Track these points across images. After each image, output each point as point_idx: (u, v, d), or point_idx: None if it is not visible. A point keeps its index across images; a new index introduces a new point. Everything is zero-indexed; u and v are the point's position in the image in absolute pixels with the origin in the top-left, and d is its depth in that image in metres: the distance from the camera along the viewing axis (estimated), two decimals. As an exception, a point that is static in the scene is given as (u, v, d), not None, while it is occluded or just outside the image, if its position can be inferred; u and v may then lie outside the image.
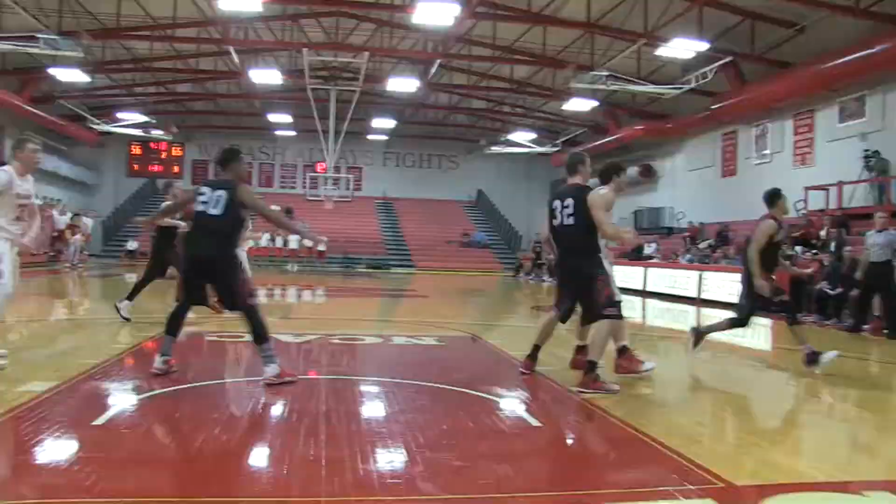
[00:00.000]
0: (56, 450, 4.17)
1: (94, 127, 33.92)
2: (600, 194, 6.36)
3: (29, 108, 28.73)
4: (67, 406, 5.16)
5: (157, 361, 6.07)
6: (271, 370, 5.85)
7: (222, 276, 6.02)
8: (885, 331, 11.86)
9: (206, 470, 3.79)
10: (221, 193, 5.98)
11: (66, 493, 3.40)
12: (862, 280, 12.29)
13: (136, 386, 6.02)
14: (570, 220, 6.35)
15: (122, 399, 5.56)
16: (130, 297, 10.09)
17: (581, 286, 6.41)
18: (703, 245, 23.01)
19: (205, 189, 6.12)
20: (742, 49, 21.38)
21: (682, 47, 20.44)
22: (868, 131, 19.67)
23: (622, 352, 6.79)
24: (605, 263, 6.39)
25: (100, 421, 4.69)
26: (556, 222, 6.50)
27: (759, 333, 13.31)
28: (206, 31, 25.27)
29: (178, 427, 4.63)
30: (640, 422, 5.03)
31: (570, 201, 6.39)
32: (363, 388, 6.25)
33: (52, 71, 24.92)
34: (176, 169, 42.37)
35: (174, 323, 6.18)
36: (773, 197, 7.89)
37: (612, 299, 6.27)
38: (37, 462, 3.93)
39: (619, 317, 6.40)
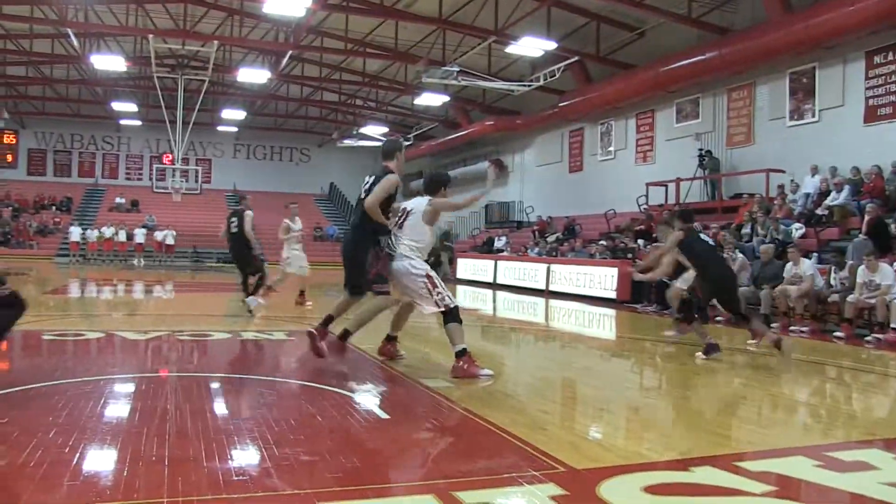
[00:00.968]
0: None
1: None
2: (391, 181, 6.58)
3: None
4: None
5: None
6: None
7: None
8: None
9: (43, 475, 3.61)
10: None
11: None
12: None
13: None
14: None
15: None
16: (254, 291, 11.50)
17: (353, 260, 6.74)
18: (551, 238, 23.83)
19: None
20: (588, 49, 22.29)
21: (530, 45, 21.13)
22: (702, 132, 20.96)
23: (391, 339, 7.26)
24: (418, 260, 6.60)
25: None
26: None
27: (605, 323, 13.98)
28: (40, 11, 23.65)
29: (9, 432, 4.36)
30: (486, 412, 5.16)
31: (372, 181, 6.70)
32: (211, 385, 6.09)
33: None
34: (9, 158, 39.71)
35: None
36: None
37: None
38: None
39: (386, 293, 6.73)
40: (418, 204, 6.65)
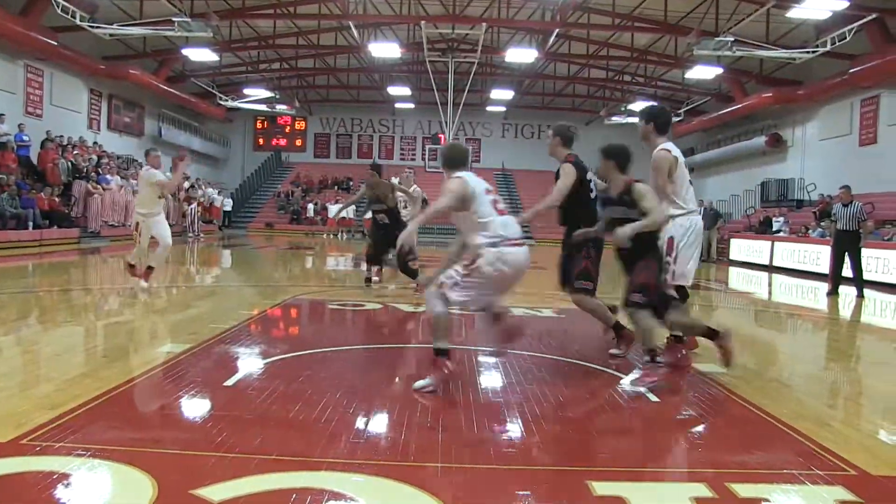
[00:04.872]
0: (191, 407, 4.47)
1: (222, 103, 35.50)
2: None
3: (165, 87, 30.48)
4: (201, 367, 5.44)
5: None
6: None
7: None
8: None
9: (328, 432, 3.89)
10: None
11: (198, 447, 3.58)
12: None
13: (262, 350, 6.27)
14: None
15: (249, 363, 5.81)
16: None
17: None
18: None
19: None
20: (890, 5, 19.91)
21: (816, 7, 19.24)
22: None
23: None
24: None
25: (230, 382, 4.96)
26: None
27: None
28: (326, 8, 25.71)
29: (302, 390, 4.77)
30: (765, 402, 4.84)
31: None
32: (481, 358, 6.27)
33: (185, 52, 26.28)
34: (299, 142, 43.70)
35: None
36: None
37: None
38: (174, 417, 4.29)
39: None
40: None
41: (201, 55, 26.87)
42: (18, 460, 3.26)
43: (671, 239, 5.78)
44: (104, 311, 8.93)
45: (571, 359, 6.19)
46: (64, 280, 12.97)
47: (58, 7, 20.14)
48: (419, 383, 4.86)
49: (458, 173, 5.14)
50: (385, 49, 28.20)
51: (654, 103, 6.93)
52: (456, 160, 5.31)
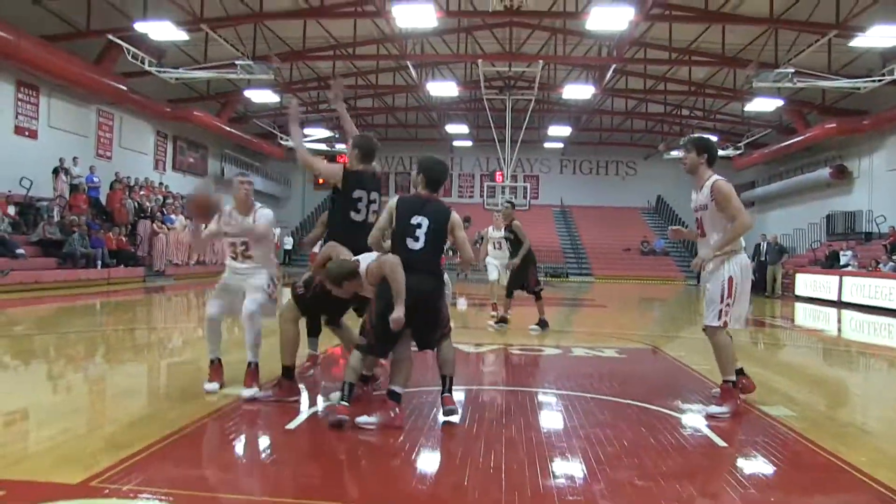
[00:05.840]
0: (253, 451, 4.52)
1: (283, 143, 36.17)
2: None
3: (228, 128, 31.27)
4: (262, 410, 5.45)
5: None
6: None
7: None
8: None
9: (387, 473, 3.88)
10: None
11: (259, 492, 3.60)
12: None
13: (323, 391, 6.26)
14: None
15: (309, 405, 5.81)
16: None
17: None
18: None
19: None
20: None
21: (880, 35, 18.77)
22: None
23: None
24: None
25: (292, 426, 4.97)
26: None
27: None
28: (384, 48, 26.16)
29: (362, 433, 4.76)
30: (838, 447, 4.66)
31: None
32: (542, 399, 6.19)
33: (247, 93, 26.95)
34: (360, 182, 44.22)
35: None
36: None
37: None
38: (237, 460, 4.33)
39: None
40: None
41: (263, 96, 27.55)
42: (89, 503, 3.31)
43: (731, 279, 5.64)
44: (168, 350, 9.09)
45: (633, 400, 6.05)
46: (128, 318, 13.27)
47: (129, 54, 20.90)
48: (362, 419, 4.85)
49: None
50: (443, 88, 28.57)
51: (703, 135, 6.62)
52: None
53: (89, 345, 9.09)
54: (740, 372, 5.89)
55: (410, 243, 5.14)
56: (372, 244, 5.29)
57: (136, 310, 15.17)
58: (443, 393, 5.18)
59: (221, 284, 6.15)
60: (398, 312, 4.88)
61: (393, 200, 5.30)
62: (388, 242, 5.26)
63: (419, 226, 5.17)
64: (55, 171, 21.14)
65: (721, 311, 5.60)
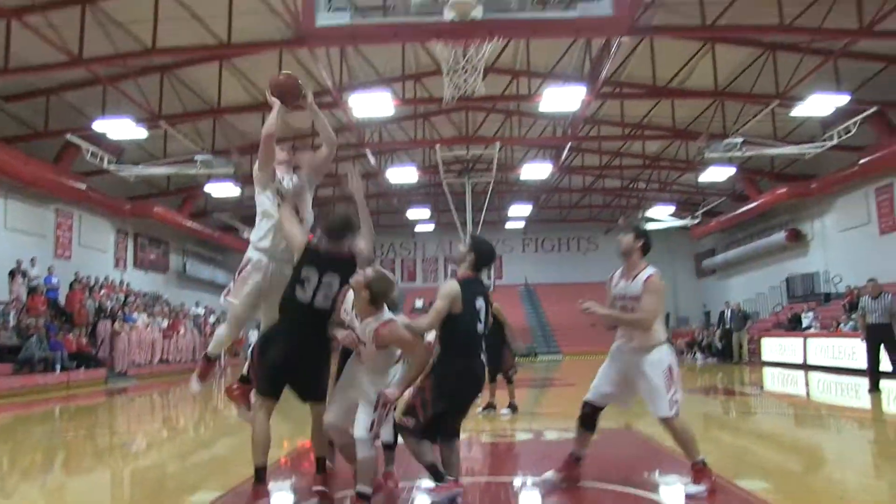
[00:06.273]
0: None
1: (245, 236, 36.01)
2: None
3: (189, 224, 31.13)
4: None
5: None
6: None
7: None
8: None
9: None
10: None
11: None
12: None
13: (299, 490, 5.92)
14: None
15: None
16: None
17: None
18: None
19: None
20: (890, 97, 20.28)
21: (819, 104, 19.53)
22: None
23: None
24: None
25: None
26: None
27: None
28: (343, 137, 26.43)
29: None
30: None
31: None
32: (518, 489, 6.06)
33: (207, 188, 26.88)
34: (324, 269, 44.08)
35: None
36: None
37: None
38: None
39: None
40: None
41: (223, 190, 27.37)
42: None
43: (671, 367, 5.68)
44: (130, 455, 8.83)
45: (613, 484, 5.88)
46: (90, 423, 12.89)
47: (87, 153, 20.87)
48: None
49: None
50: (403, 174, 28.86)
51: (644, 222, 6.73)
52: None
53: (47, 453, 8.79)
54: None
55: (480, 328, 5.22)
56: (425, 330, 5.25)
57: (98, 414, 14.75)
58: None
59: None
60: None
61: (454, 285, 5.23)
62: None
63: (481, 309, 5.23)
64: (11, 274, 20.78)
65: (670, 400, 5.60)
